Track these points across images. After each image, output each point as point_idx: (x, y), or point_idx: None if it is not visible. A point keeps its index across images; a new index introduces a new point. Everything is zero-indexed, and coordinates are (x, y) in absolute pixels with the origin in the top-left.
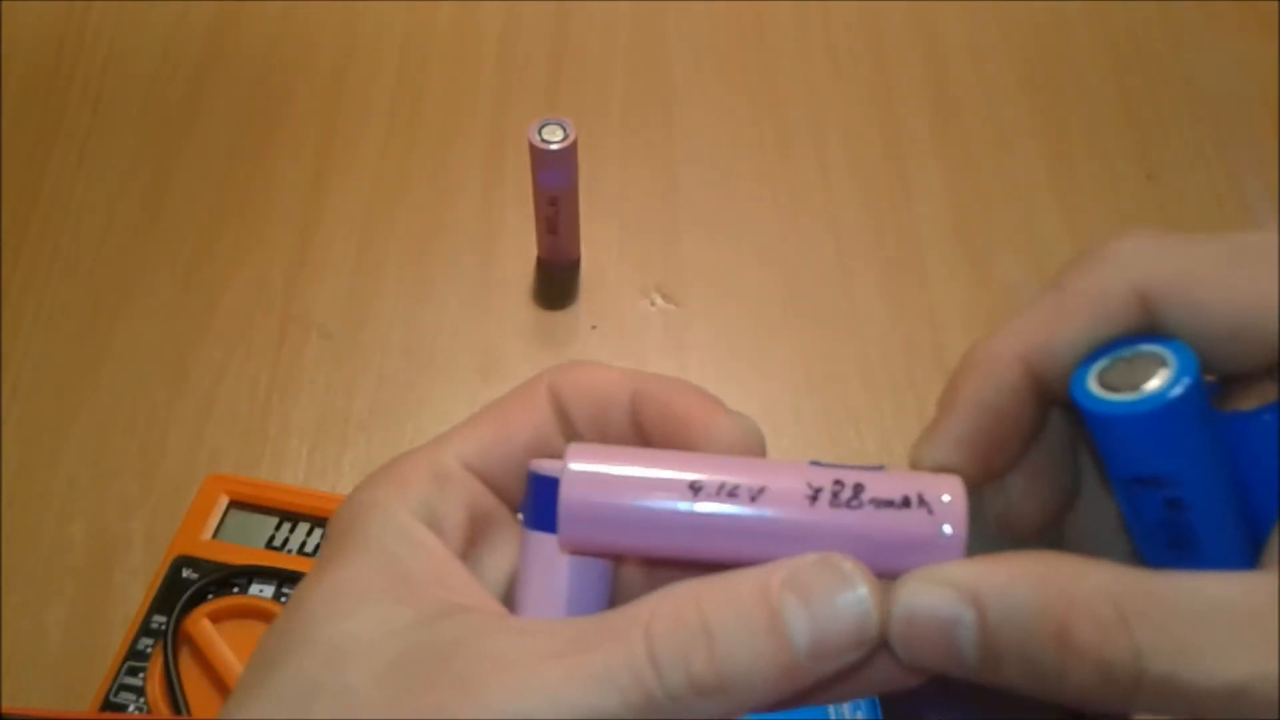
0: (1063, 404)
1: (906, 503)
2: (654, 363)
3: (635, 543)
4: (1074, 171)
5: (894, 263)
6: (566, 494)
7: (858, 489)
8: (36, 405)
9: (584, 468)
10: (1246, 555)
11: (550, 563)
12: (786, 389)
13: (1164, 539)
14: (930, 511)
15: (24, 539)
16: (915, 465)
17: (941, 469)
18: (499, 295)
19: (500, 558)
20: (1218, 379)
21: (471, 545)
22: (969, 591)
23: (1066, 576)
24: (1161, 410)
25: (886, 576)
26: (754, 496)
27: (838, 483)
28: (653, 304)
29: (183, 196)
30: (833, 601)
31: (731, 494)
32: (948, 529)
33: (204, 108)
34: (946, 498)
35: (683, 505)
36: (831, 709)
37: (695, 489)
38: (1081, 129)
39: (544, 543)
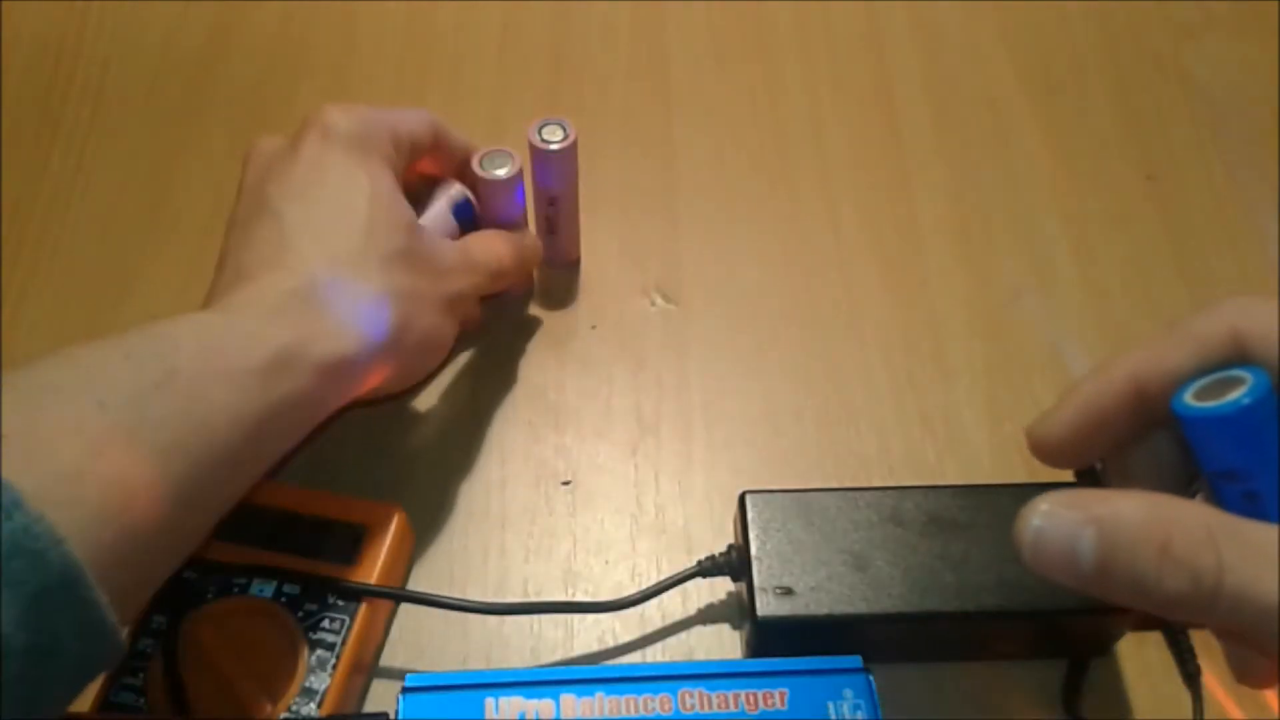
0: (1169, 427)
1: None
2: (654, 362)
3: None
4: (1074, 171)
5: (894, 263)
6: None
7: None
8: None
9: None
10: None
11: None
12: (786, 389)
13: None
14: None
15: None
16: (1028, 435)
17: (1044, 441)
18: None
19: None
20: None
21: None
22: (1088, 513)
23: (1168, 504)
24: (1233, 414)
25: None
26: None
27: None
28: (653, 304)
29: (183, 196)
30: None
31: None
32: None
33: (204, 108)
34: None
35: None
36: (831, 708)
37: None
38: (1081, 129)
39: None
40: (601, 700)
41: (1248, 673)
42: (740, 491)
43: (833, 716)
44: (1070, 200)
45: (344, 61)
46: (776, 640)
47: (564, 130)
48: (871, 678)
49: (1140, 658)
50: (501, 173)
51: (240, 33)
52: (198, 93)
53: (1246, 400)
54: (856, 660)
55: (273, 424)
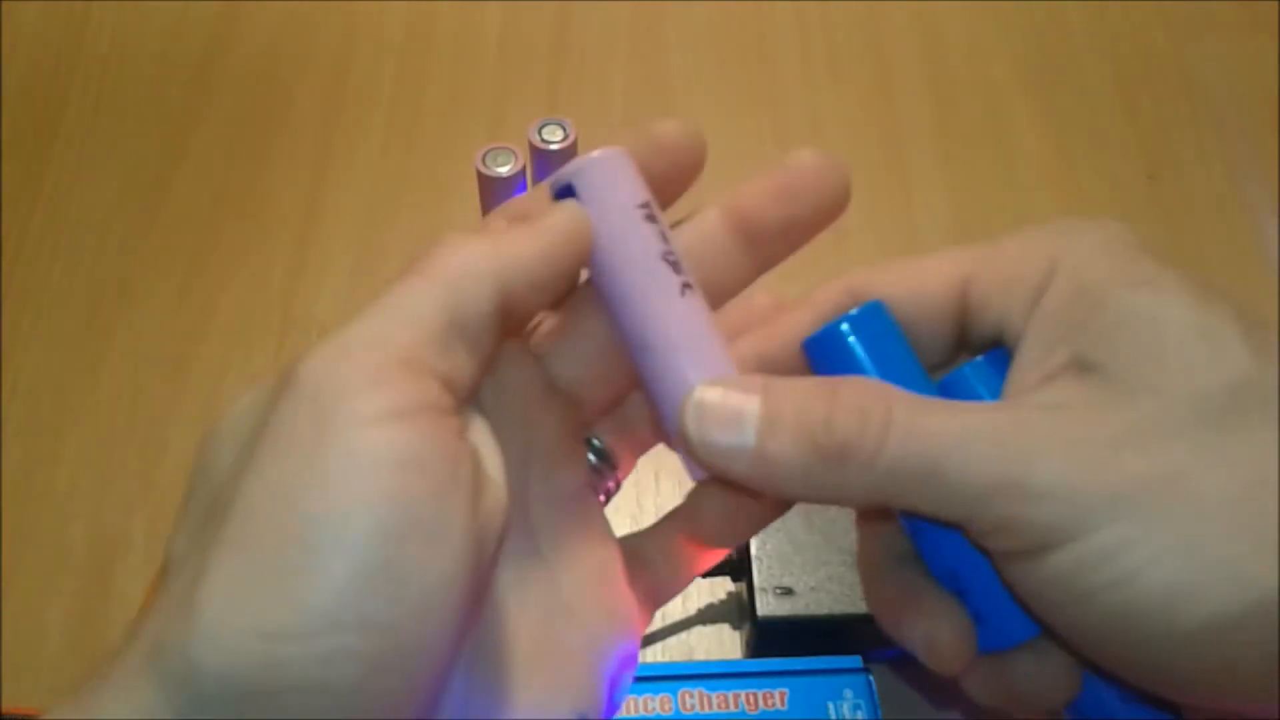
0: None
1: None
2: None
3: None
4: (1074, 171)
5: None
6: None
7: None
8: (36, 405)
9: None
10: None
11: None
12: None
13: None
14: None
15: (24, 539)
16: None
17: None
18: None
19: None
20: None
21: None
22: (757, 381)
23: (838, 378)
24: (845, 327)
25: None
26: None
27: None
28: None
29: (183, 196)
30: None
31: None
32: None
33: (204, 108)
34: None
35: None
36: (831, 708)
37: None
38: (1081, 129)
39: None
40: None
41: (935, 641)
42: None
43: (833, 716)
44: (1070, 200)
45: (344, 61)
46: (776, 640)
47: (564, 130)
48: (871, 678)
49: None
50: (504, 170)
51: (240, 33)
52: (198, 93)
53: (859, 312)
54: (856, 660)
55: None
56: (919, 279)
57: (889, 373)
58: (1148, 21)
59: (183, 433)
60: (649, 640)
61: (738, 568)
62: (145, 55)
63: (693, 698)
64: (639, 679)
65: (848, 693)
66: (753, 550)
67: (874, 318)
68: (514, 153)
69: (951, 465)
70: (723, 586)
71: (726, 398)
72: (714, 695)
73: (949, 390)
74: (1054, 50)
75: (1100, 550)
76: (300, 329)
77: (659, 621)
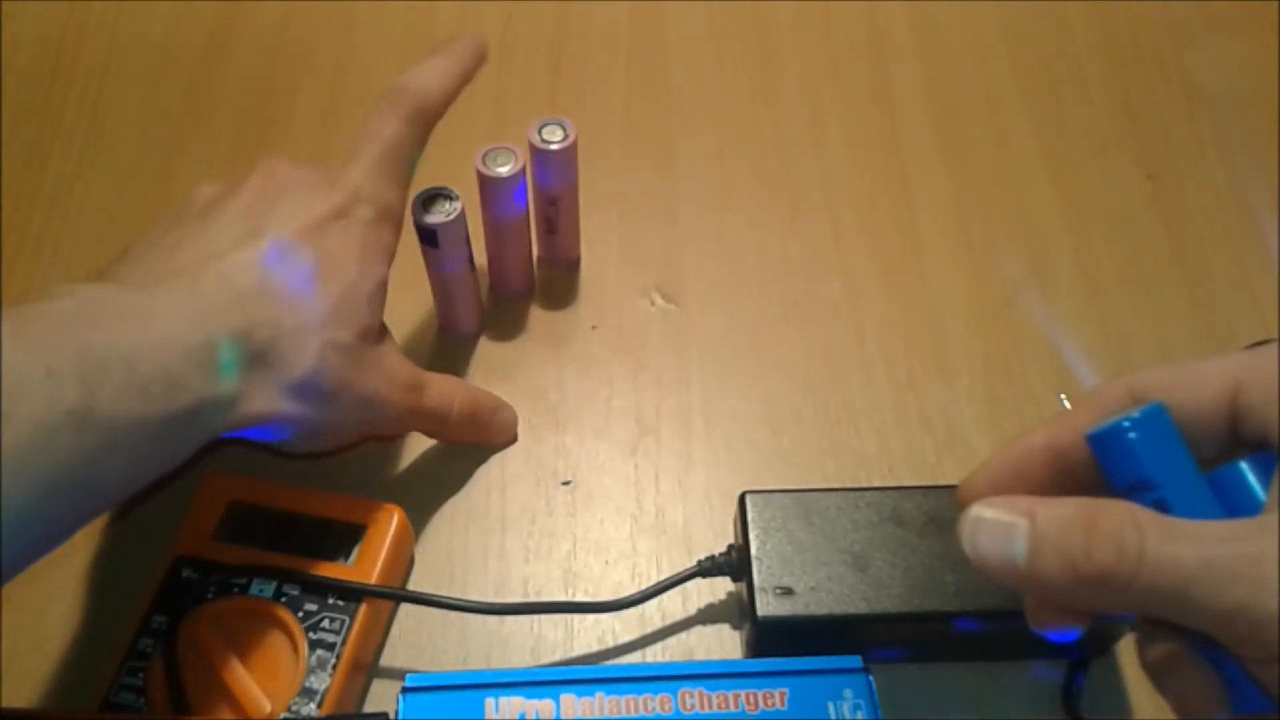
0: (1089, 487)
1: None
2: (654, 362)
3: None
4: (1074, 171)
5: (894, 263)
6: None
7: None
8: None
9: None
10: None
11: None
12: (786, 389)
13: None
14: None
15: None
16: (957, 496)
17: (969, 496)
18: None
19: None
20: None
21: None
22: (1024, 505)
23: (1094, 500)
24: (1131, 423)
25: None
26: None
27: None
28: (653, 304)
29: (183, 196)
30: None
31: None
32: None
33: (204, 108)
34: None
35: None
36: (831, 708)
37: None
38: (1081, 129)
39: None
40: (601, 700)
41: (1187, 699)
42: (740, 491)
43: (833, 716)
44: (1070, 200)
45: (344, 61)
46: (776, 640)
47: (564, 130)
48: (871, 678)
49: None
50: (504, 170)
51: (240, 32)
52: (198, 93)
53: (1136, 415)
54: (856, 660)
55: (158, 468)
56: (1194, 384)
57: (1162, 469)
58: (1148, 22)
59: None
60: (649, 640)
61: (738, 568)
62: (145, 55)
63: (693, 698)
64: (639, 679)
65: (848, 693)
66: (753, 550)
67: (1153, 419)
68: (514, 153)
69: (1195, 593)
70: (723, 586)
71: (998, 517)
72: (714, 695)
73: (1222, 482)
74: (1054, 50)
75: None
76: None
77: (659, 621)
